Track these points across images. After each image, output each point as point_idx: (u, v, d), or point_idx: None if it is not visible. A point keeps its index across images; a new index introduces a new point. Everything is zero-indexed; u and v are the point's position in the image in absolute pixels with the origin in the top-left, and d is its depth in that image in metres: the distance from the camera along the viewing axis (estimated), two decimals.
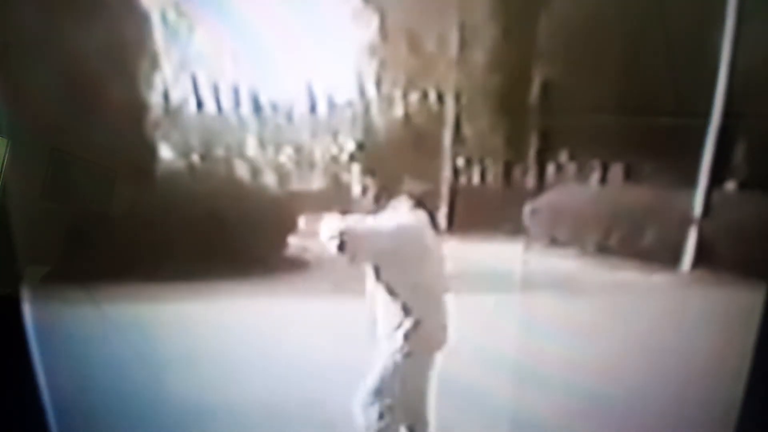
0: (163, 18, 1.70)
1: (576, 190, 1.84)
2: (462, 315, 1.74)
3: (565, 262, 1.91)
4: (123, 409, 1.99)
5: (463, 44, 1.78)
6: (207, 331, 2.00)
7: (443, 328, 1.61)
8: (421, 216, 1.59)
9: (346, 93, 1.76)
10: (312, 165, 1.82)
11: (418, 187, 1.74)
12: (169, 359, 2.01)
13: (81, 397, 1.99)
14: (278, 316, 1.99)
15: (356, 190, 1.80)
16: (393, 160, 1.79)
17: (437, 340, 1.61)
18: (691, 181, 1.84)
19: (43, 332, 1.93)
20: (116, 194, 1.88)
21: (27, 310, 1.91)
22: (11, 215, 1.80)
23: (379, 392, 1.63)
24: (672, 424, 1.85)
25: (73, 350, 2.00)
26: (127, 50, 1.78)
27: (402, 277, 1.55)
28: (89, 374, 2.01)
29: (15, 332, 1.90)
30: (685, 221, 1.85)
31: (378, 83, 1.76)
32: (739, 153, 1.85)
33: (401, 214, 1.58)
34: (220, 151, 1.84)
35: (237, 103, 1.78)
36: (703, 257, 1.88)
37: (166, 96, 1.78)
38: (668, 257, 1.88)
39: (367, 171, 1.77)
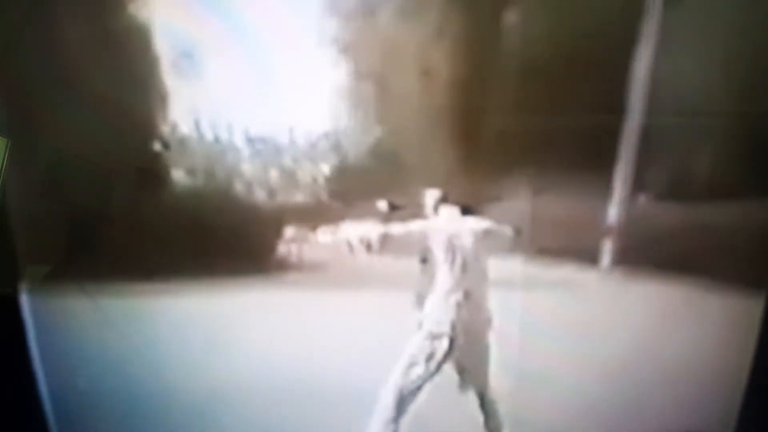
0: (175, 67, 1.99)
1: (514, 203, 2.09)
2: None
3: (514, 265, 2.14)
4: (124, 409, 2.03)
5: (423, 84, 2.05)
6: (208, 327, 2.09)
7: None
8: None
9: (323, 127, 2.07)
10: (295, 184, 2.12)
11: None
12: (170, 359, 2.07)
13: (81, 396, 2.02)
14: (271, 308, 2.09)
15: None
16: (362, 184, 2.09)
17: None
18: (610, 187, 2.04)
19: (43, 332, 1.97)
20: (132, 201, 2.09)
21: (27, 309, 1.95)
22: (11, 215, 1.88)
23: None
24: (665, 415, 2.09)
25: (73, 350, 2.02)
26: (139, 83, 2.01)
27: None
28: (89, 374, 2.04)
29: (15, 332, 1.93)
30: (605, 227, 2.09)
31: (350, 119, 2.06)
32: (660, 156, 2.01)
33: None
34: (220, 172, 2.11)
35: (231, 136, 2.07)
36: (623, 256, 2.09)
37: (174, 128, 2.06)
38: (592, 257, 2.11)
39: (337, 192, 2.09)
